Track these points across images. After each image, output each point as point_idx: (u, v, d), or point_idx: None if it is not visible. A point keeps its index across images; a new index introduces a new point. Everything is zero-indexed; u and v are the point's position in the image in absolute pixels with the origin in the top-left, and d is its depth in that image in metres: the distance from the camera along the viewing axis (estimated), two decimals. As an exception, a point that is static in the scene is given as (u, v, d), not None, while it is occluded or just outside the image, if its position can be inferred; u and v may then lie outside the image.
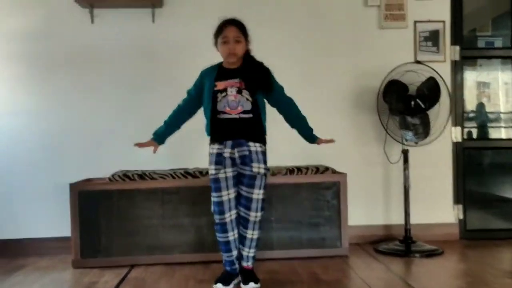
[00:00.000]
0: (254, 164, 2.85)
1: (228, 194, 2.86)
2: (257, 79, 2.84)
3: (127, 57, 3.97)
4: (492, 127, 4.65)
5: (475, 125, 4.54)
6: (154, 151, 2.97)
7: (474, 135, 4.48)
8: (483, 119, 4.55)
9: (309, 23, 4.06)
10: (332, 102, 4.07)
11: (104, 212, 3.51)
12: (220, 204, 2.86)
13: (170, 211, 3.54)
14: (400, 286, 2.95)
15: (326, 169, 3.73)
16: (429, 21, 4.10)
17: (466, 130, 4.34)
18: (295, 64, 3.98)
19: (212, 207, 2.91)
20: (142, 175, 3.59)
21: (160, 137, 2.98)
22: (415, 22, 4.10)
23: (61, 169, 3.92)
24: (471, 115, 4.54)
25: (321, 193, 3.64)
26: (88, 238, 3.49)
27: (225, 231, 2.89)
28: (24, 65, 3.94)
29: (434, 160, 4.11)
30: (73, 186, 3.51)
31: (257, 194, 2.86)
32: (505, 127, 4.53)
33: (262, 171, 2.87)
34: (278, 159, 3.76)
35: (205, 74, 2.93)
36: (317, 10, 4.08)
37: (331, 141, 3.08)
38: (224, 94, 2.82)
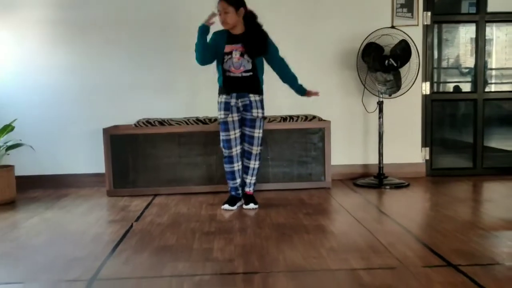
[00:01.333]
0: (254, 110, 3.63)
1: (235, 133, 3.65)
2: (255, 45, 3.53)
3: (150, 21, 4.62)
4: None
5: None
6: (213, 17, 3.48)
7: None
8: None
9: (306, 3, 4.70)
10: (320, 61, 4.75)
11: (131, 152, 4.27)
12: (228, 141, 3.65)
13: (186, 151, 4.30)
14: (372, 210, 3.74)
15: (314, 117, 4.46)
16: None
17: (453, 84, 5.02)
18: (287, 30, 4.65)
19: (221, 144, 3.69)
20: (162, 122, 4.34)
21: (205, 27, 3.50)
22: None
23: (93, 116, 4.66)
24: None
25: (309, 137, 4.38)
26: (119, 173, 4.27)
27: (231, 162, 3.70)
28: (60, 28, 4.62)
29: (406, 110, 4.81)
30: (105, 130, 4.26)
31: (258, 132, 3.67)
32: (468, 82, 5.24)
33: (260, 115, 3.66)
34: (275, 109, 4.52)
35: (216, 36, 3.56)
36: None
37: (316, 93, 3.81)
38: (229, 56, 3.52)
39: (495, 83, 5.35)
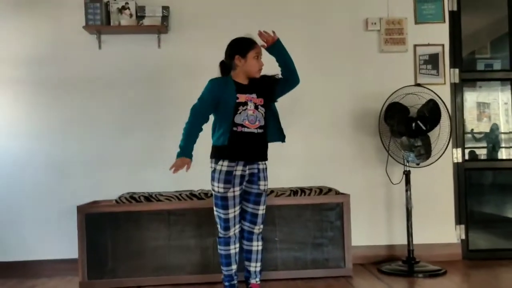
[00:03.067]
0: (261, 182, 2.98)
1: (234, 211, 2.95)
2: (269, 90, 2.99)
3: (133, 82, 4.06)
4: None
5: (476, 145, 4.62)
6: (188, 169, 2.90)
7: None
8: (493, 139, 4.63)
9: (310, 47, 4.15)
10: (334, 124, 4.15)
11: (111, 234, 3.56)
12: (226, 220, 2.94)
13: (176, 233, 3.59)
14: (403, 307, 2.99)
15: (329, 190, 3.78)
16: (428, 44, 4.19)
17: (468, 150, 4.41)
18: (301, 90, 4.03)
19: (217, 221, 3.01)
20: (148, 197, 3.65)
21: (186, 151, 2.90)
22: (415, 45, 4.19)
23: (68, 192, 3.98)
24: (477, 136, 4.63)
25: (325, 214, 3.69)
26: (95, 260, 3.53)
27: (228, 244, 2.99)
28: (30, 89, 4.02)
29: (436, 180, 4.16)
30: (80, 209, 3.57)
31: (262, 209, 3.02)
32: (505, 147, 4.60)
33: (266, 187, 3.03)
34: (280, 180, 3.85)
35: (219, 84, 2.93)
36: (318, 34, 4.18)
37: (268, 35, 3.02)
38: (245, 107, 2.89)
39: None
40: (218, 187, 2.91)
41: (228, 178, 2.89)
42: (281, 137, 3.05)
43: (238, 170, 2.90)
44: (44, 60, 4.03)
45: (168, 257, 3.58)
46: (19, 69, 4.02)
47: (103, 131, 4.06)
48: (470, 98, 4.91)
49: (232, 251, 3.00)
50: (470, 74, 4.41)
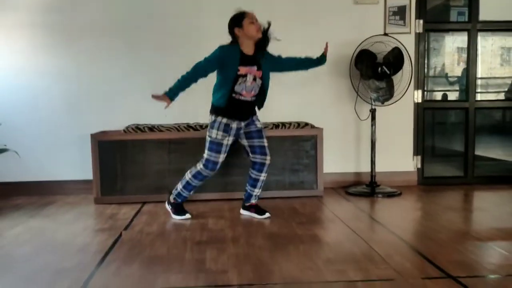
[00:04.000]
0: (257, 122, 3.56)
1: (224, 157, 3.47)
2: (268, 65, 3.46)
3: (139, 24, 4.52)
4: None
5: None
6: (166, 107, 3.38)
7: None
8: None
9: (296, 6, 4.61)
10: (313, 69, 4.52)
11: (120, 158, 4.17)
12: (215, 163, 3.45)
13: (176, 158, 4.20)
14: (365, 219, 3.68)
15: (306, 124, 4.39)
16: None
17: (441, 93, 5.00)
18: (287, 41, 4.52)
19: (204, 162, 3.46)
20: (152, 128, 4.25)
21: (173, 94, 3.30)
22: None
23: (81, 122, 4.54)
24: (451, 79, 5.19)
25: (302, 144, 4.32)
26: (107, 180, 4.16)
27: (202, 180, 3.56)
28: (45, 33, 4.51)
29: (398, 118, 4.76)
30: (93, 136, 4.16)
31: (266, 141, 3.58)
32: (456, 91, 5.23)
33: (262, 126, 3.59)
34: (267, 116, 4.41)
35: (226, 53, 3.30)
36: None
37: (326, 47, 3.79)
38: (244, 79, 3.33)
39: (481, 92, 5.34)
40: (217, 134, 3.38)
41: (226, 129, 3.39)
42: (260, 106, 3.56)
43: (234, 124, 3.42)
44: (54, 6, 4.47)
45: (169, 179, 4.18)
46: (33, 15, 4.47)
47: (111, 70, 4.56)
48: (449, 44, 5.44)
49: (198, 185, 3.61)
50: (434, 25, 4.95)
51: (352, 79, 4.49)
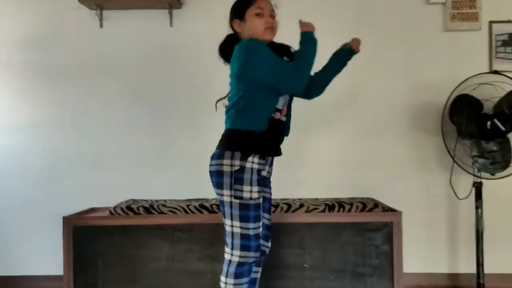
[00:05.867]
0: (270, 185, 2.43)
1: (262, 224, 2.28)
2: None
3: (139, 68, 3.51)
4: None
5: None
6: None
7: None
8: None
9: (355, 24, 3.42)
10: (384, 121, 3.45)
11: (102, 252, 2.98)
12: (258, 237, 2.19)
13: (181, 253, 2.97)
14: None
15: (375, 205, 3.04)
16: (509, 21, 3.38)
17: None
18: (339, 76, 3.33)
19: (241, 242, 2.17)
20: (149, 208, 3.02)
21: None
22: (491, 22, 3.40)
23: (59, 194, 3.48)
24: None
25: (369, 235, 2.98)
26: (82, 281, 2.97)
27: (251, 273, 2.30)
28: (22, 76, 3.53)
29: None
30: (67, 220, 2.99)
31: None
32: None
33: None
34: (312, 189, 3.20)
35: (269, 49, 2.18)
36: (366, 9, 3.45)
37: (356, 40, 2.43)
38: None
39: None
40: (251, 191, 2.13)
41: (260, 179, 2.21)
42: (286, 132, 2.40)
43: (265, 169, 2.27)
44: (36, 42, 3.51)
45: (171, 282, 2.96)
46: (8, 52, 3.51)
47: (103, 125, 3.52)
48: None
49: (257, 275, 2.45)
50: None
51: (446, 137, 3.16)
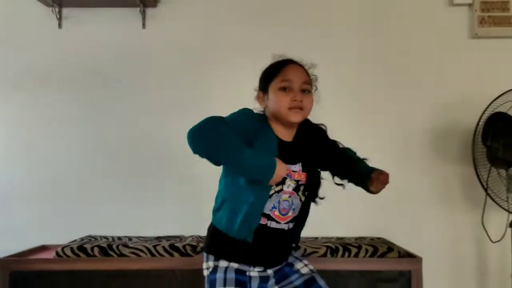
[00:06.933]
0: (300, 265, 1.83)
1: None
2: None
3: (106, 75, 2.98)
4: None
5: None
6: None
7: None
8: None
9: (367, 31, 2.97)
10: (402, 147, 2.99)
11: None
12: None
13: None
14: None
15: (389, 248, 2.50)
16: None
17: None
18: (347, 93, 2.91)
19: None
20: (107, 248, 2.44)
21: (267, 158, 1.65)
22: None
23: (7, 231, 2.91)
24: None
25: (381, 287, 2.44)
26: None
27: None
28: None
29: None
30: (3, 263, 2.42)
31: (312, 267, 1.85)
32: None
33: (311, 266, 1.85)
34: (314, 227, 2.59)
35: (257, 125, 1.70)
36: (380, 12, 2.97)
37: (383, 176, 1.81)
38: (279, 187, 1.70)
39: None
40: None
41: (241, 279, 1.70)
42: (297, 240, 1.87)
43: (255, 271, 1.74)
44: None
45: None
46: None
47: (61, 145, 2.98)
48: None
49: None
50: None
51: (477, 165, 2.64)
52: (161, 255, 2.45)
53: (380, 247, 2.51)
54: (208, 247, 1.76)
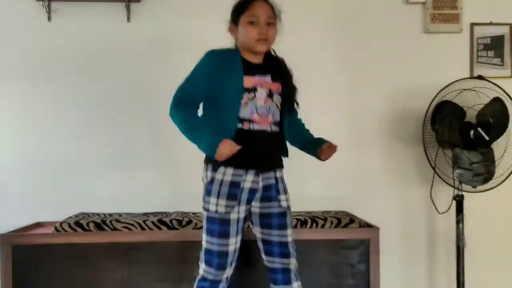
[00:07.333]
0: (282, 197, 2.18)
1: (236, 243, 2.10)
2: (289, 82, 2.19)
3: (93, 66, 3.13)
4: None
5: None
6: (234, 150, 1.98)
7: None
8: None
9: (329, 25, 3.20)
10: (360, 129, 3.23)
11: (47, 274, 2.62)
12: (223, 254, 2.06)
13: (138, 274, 2.65)
14: None
15: (351, 220, 2.80)
16: (491, 23, 3.21)
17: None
18: (313, 80, 3.09)
19: (204, 257, 2.10)
20: (101, 224, 2.68)
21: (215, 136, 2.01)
22: (472, 24, 3.22)
23: (2, 210, 3.08)
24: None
25: (344, 253, 2.74)
26: (24, 308, 2.62)
27: None
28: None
29: (498, 210, 3.21)
30: (5, 238, 2.62)
31: (291, 234, 2.22)
32: None
33: (289, 203, 2.22)
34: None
35: (221, 60, 2.08)
36: (340, 8, 3.22)
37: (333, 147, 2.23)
38: (252, 95, 2.07)
39: None
40: (217, 204, 2.05)
41: (233, 192, 2.06)
42: (284, 151, 2.25)
43: (248, 181, 2.06)
44: None
45: None
46: None
47: (52, 130, 3.13)
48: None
49: None
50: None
51: (426, 147, 2.94)
52: (150, 229, 2.69)
53: (343, 219, 2.79)
54: (206, 158, 2.08)
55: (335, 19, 3.19)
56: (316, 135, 2.29)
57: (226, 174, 2.06)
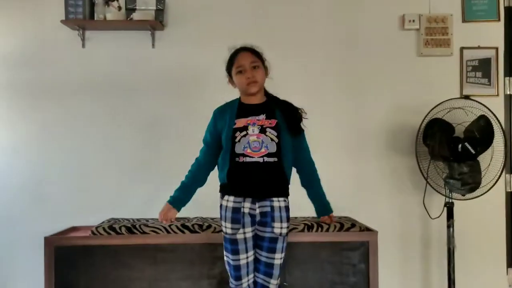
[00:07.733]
0: (276, 224, 2.40)
1: (247, 258, 2.43)
2: (287, 115, 2.44)
3: (122, 88, 3.48)
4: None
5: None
6: (170, 222, 2.63)
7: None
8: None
9: (332, 48, 3.52)
10: (360, 143, 3.51)
11: (84, 272, 2.93)
12: (237, 268, 2.42)
13: (164, 273, 2.95)
14: None
15: (352, 225, 3.09)
16: (478, 47, 3.50)
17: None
18: (317, 98, 3.41)
19: (227, 268, 2.51)
20: (131, 228, 3.02)
21: (177, 203, 2.55)
22: (462, 48, 3.50)
23: (44, 213, 3.43)
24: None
25: (346, 254, 3.01)
26: (65, 304, 2.93)
27: None
28: (5, 94, 3.47)
29: (485, 215, 3.48)
30: (48, 240, 2.95)
31: (279, 258, 2.45)
32: None
33: (284, 231, 2.43)
34: (293, 209, 3.15)
35: (220, 112, 2.48)
36: (342, 34, 3.53)
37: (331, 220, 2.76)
38: (244, 133, 2.37)
39: None
40: (225, 227, 2.42)
41: (236, 217, 2.39)
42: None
43: (246, 207, 2.39)
44: (17, 62, 3.46)
45: None
46: None
47: (86, 144, 3.49)
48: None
49: None
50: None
51: (419, 159, 3.23)
52: (175, 232, 3.00)
53: (346, 224, 3.06)
54: (220, 185, 2.47)
55: (340, 45, 3.48)
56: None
57: (229, 201, 2.40)
